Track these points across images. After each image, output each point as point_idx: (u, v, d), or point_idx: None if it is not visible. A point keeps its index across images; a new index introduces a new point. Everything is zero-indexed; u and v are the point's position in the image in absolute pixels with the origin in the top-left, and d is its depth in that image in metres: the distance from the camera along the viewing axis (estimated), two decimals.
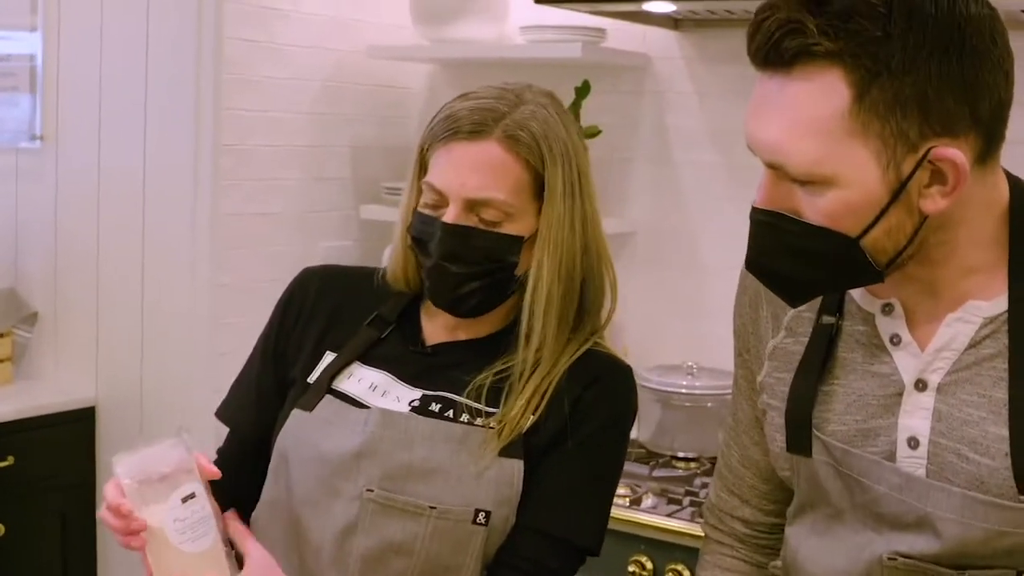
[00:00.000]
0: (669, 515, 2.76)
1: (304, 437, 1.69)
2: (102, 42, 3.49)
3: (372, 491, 1.63)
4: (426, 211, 1.69)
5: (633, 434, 3.23)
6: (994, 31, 1.26)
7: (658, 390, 3.17)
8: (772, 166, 1.31)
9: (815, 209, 1.29)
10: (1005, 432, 1.31)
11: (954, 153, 1.25)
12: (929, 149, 1.25)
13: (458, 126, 1.66)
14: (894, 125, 1.24)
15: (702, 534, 1.69)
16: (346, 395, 1.72)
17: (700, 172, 3.38)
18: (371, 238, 3.60)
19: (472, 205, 1.66)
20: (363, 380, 1.73)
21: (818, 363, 1.45)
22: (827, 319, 1.45)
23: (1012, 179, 1.39)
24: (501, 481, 1.65)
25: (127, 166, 3.44)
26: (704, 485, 2.94)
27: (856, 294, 1.45)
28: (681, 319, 3.43)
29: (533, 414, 1.66)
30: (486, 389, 1.69)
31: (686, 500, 2.84)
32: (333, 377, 1.73)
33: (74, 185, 3.61)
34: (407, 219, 1.74)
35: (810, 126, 1.26)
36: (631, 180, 3.50)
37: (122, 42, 3.44)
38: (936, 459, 1.35)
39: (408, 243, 1.75)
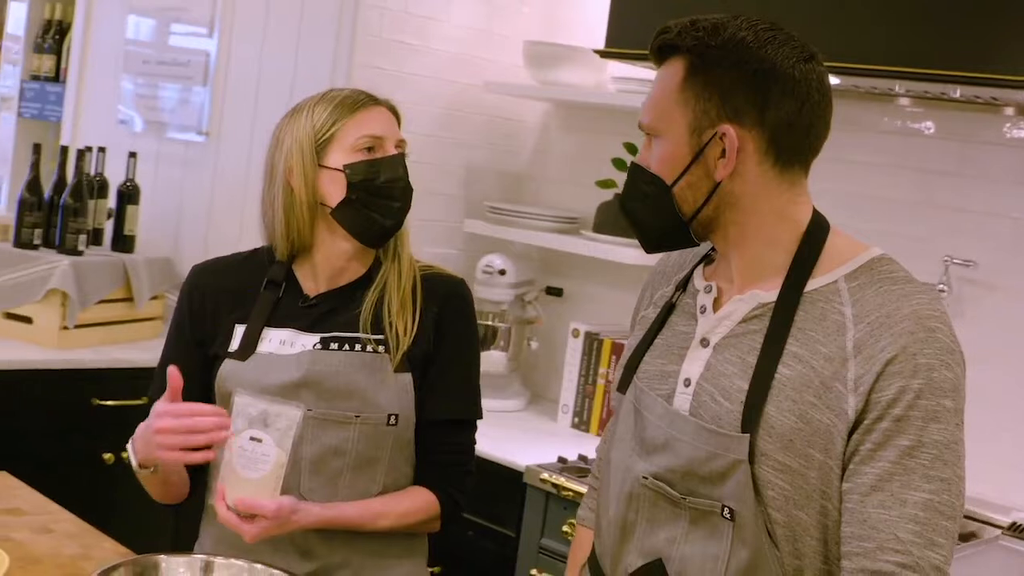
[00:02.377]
0: None
1: (244, 378, 2.20)
2: (261, 58, 4.12)
3: (311, 411, 2.16)
4: (366, 157, 2.21)
5: None
6: (799, 72, 1.73)
7: None
8: (641, 127, 1.83)
9: (652, 159, 1.80)
10: (746, 387, 1.72)
11: (730, 132, 1.72)
12: (720, 127, 1.73)
13: (363, 99, 2.25)
14: (702, 104, 1.74)
15: None
16: (268, 353, 2.24)
17: None
18: (471, 248, 4.12)
19: (399, 144, 2.27)
20: (273, 340, 2.25)
21: (657, 326, 1.91)
22: (675, 297, 1.92)
23: (818, 214, 1.82)
24: (400, 390, 2.22)
25: None
26: None
27: (696, 278, 1.90)
28: None
29: (410, 334, 2.23)
30: (370, 318, 2.23)
31: None
32: (256, 340, 2.24)
33: (229, 176, 4.25)
34: (312, 193, 2.21)
35: (659, 95, 1.79)
36: None
37: (278, 60, 4.06)
38: (697, 397, 1.77)
39: (324, 207, 2.22)
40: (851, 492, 1.66)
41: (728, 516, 1.72)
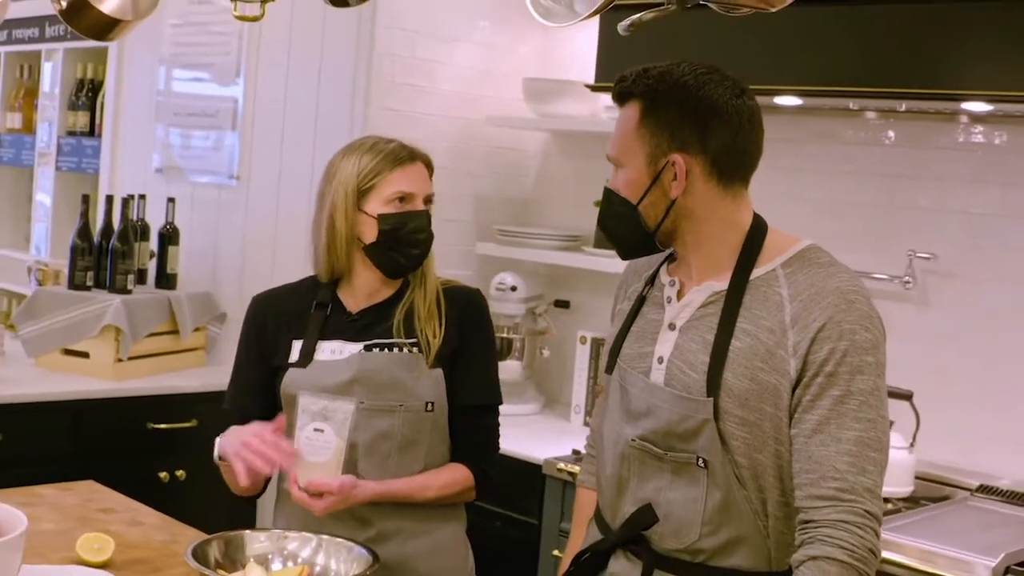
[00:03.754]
0: None
1: (305, 383, 2.60)
2: (285, 104, 4.53)
3: (363, 403, 2.57)
4: (396, 211, 2.61)
5: None
6: (731, 107, 2.11)
7: None
8: (609, 159, 2.20)
9: (620, 184, 2.18)
10: (707, 359, 2.10)
11: (679, 160, 2.10)
12: (671, 156, 2.11)
13: (403, 156, 2.65)
14: (656, 138, 2.12)
15: None
16: (322, 360, 2.64)
17: None
18: (484, 268, 4.51)
19: (427, 199, 2.67)
20: (325, 350, 2.66)
21: (632, 316, 2.29)
22: (645, 291, 2.30)
23: (758, 218, 2.20)
24: (435, 382, 2.63)
25: (297, 205, 4.47)
26: None
27: (662, 274, 2.27)
28: None
29: (439, 337, 2.64)
30: (402, 325, 2.64)
31: None
32: (312, 352, 2.65)
33: (259, 216, 4.66)
34: (351, 230, 2.61)
35: (622, 133, 2.17)
36: None
37: (300, 106, 4.48)
38: (670, 371, 2.15)
39: (359, 241, 2.62)
40: (797, 436, 2.04)
41: (702, 465, 2.10)
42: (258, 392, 2.73)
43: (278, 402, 2.68)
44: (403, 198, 2.63)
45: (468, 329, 2.71)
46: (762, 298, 2.11)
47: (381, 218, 2.61)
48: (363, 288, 2.70)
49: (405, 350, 2.64)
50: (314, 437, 2.48)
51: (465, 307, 2.73)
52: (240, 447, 2.51)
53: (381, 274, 2.68)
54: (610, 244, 2.30)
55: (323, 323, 2.69)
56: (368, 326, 2.68)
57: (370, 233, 2.62)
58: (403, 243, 2.63)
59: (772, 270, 2.13)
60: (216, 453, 2.63)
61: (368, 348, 2.64)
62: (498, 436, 2.79)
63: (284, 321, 2.73)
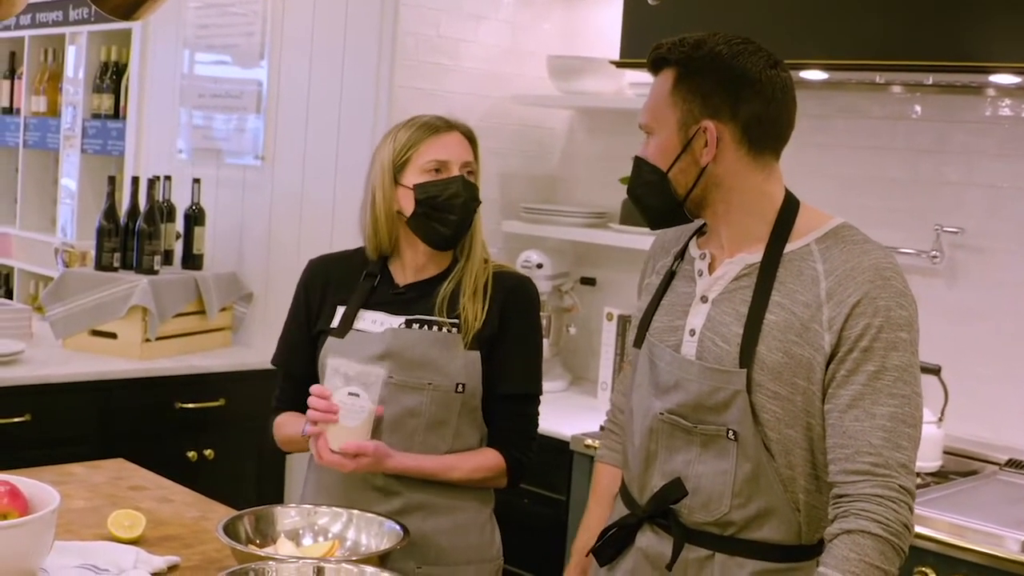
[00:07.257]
0: None
1: (341, 351, 2.60)
2: (309, 85, 4.53)
3: (392, 377, 2.57)
4: (433, 178, 2.62)
5: None
6: (764, 76, 2.11)
7: None
8: (641, 127, 2.21)
9: (651, 151, 2.18)
10: (741, 332, 2.10)
11: (711, 126, 2.11)
12: (703, 122, 2.12)
13: (438, 125, 2.67)
14: (688, 104, 2.12)
15: None
16: (361, 330, 2.66)
17: None
18: (510, 246, 4.50)
19: (465, 166, 2.66)
20: (366, 320, 2.68)
21: (662, 290, 2.29)
22: (675, 266, 2.30)
23: (790, 193, 2.20)
24: (469, 364, 2.62)
25: (322, 184, 4.48)
26: None
27: (691, 248, 2.28)
28: None
29: (479, 319, 2.63)
30: (445, 303, 2.64)
31: None
32: (352, 320, 2.68)
33: (284, 196, 4.67)
34: (390, 205, 2.64)
35: (655, 100, 2.17)
36: None
37: (324, 86, 4.48)
38: (702, 343, 2.15)
39: (401, 215, 2.64)
40: (831, 411, 2.04)
41: (732, 437, 2.11)
42: (303, 352, 2.77)
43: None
44: (439, 167, 2.64)
45: (511, 314, 2.70)
46: (796, 272, 2.11)
47: (417, 188, 2.62)
48: (411, 263, 2.72)
49: (444, 329, 2.64)
50: (349, 401, 2.48)
51: (511, 292, 2.71)
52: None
53: (427, 248, 2.68)
54: (640, 214, 2.29)
55: (369, 293, 2.72)
56: (412, 300, 2.69)
57: (409, 205, 2.64)
58: (440, 210, 2.62)
59: (806, 245, 2.13)
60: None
61: (408, 323, 2.65)
62: (536, 426, 2.77)
63: (333, 286, 2.76)
